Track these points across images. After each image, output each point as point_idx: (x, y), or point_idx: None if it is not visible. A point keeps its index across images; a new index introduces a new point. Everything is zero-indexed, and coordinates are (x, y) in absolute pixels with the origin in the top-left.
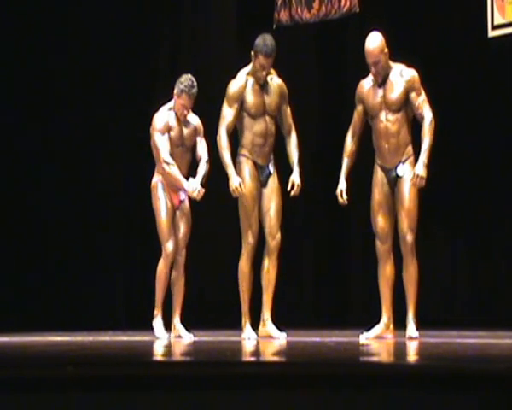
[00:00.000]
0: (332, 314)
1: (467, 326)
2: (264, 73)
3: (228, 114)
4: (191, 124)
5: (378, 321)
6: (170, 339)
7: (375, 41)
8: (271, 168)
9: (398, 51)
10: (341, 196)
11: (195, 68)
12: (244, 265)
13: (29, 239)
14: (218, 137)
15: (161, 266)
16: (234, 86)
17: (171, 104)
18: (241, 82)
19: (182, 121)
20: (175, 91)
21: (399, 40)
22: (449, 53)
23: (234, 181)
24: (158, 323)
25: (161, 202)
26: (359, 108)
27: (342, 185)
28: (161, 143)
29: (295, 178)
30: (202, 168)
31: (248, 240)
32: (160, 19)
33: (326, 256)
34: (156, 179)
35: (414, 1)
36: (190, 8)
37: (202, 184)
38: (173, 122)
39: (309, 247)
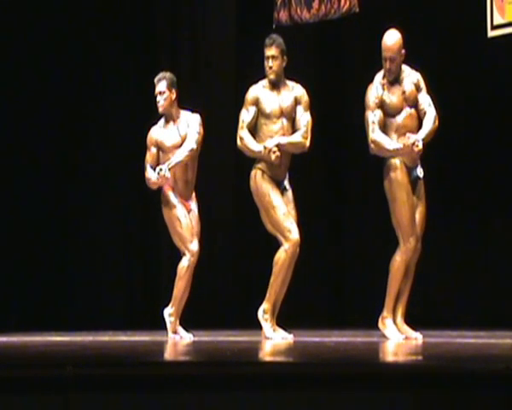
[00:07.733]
0: (329, 314)
1: (467, 326)
2: None
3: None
4: (179, 130)
5: (377, 321)
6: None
7: (394, 37)
8: None
9: None
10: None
11: (194, 69)
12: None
13: (29, 239)
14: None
15: (186, 267)
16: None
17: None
18: None
19: (169, 129)
20: None
21: None
22: (448, 53)
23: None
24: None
25: (178, 208)
26: (378, 111)
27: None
28: (146, 161)
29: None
30: (179, 153)
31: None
32: (159, 19)
33: (325, 256)
34: (166, 187)
35: (413, 1)
36: (189, 7)
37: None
38: (160, 134)
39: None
